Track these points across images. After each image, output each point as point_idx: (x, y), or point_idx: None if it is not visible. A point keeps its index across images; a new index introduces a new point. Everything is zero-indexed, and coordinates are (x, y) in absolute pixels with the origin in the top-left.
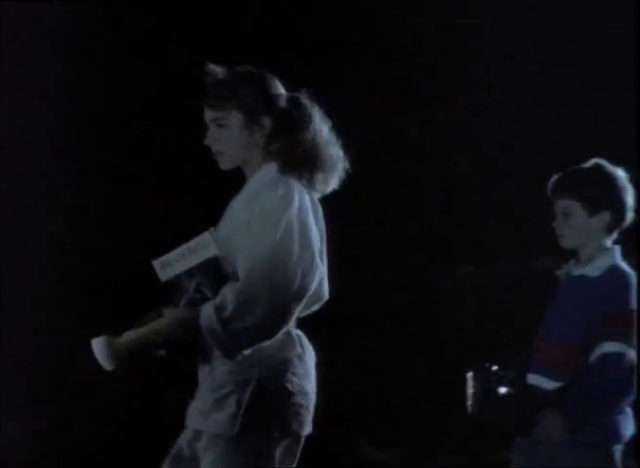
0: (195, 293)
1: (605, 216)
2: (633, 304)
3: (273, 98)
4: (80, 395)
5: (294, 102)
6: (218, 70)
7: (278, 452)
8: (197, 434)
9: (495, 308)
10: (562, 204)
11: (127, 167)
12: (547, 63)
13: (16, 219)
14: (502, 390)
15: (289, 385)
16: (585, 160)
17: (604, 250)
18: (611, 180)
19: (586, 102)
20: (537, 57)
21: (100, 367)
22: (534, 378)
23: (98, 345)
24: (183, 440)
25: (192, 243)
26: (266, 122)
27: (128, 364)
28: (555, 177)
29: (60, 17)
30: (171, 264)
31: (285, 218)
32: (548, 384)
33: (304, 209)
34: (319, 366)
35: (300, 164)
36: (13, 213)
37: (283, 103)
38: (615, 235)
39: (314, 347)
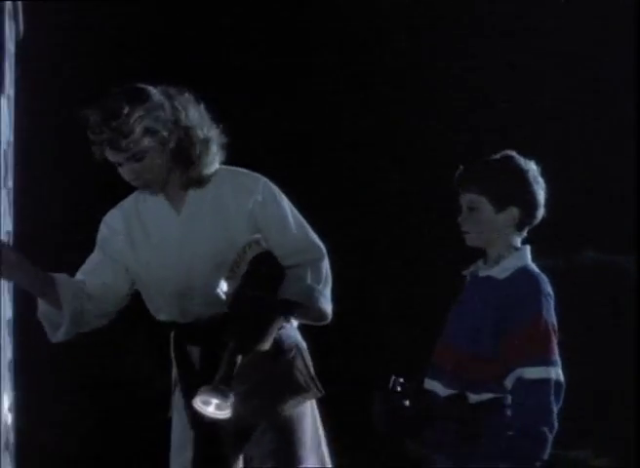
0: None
1: (513, 213)
2: (545, 310)
3: (162, 105)
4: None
5: (169, 97)
6: (108, 108)
7: None
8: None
9: None
10: (468, 198)
11: None
12: (547, 65)
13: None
14: (406, 405)
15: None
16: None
17: (513, 249)
18: (520, 174)
19: (586, 103)
20: (536, 58)
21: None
22: (431, 384)
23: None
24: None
25: (234, 257)
26: (172, 132)
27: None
28: (461, 169)
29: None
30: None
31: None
32: (444, 391)
33: None
34: (364, 366)
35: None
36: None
37: (167, 105)
38: (524, 233)
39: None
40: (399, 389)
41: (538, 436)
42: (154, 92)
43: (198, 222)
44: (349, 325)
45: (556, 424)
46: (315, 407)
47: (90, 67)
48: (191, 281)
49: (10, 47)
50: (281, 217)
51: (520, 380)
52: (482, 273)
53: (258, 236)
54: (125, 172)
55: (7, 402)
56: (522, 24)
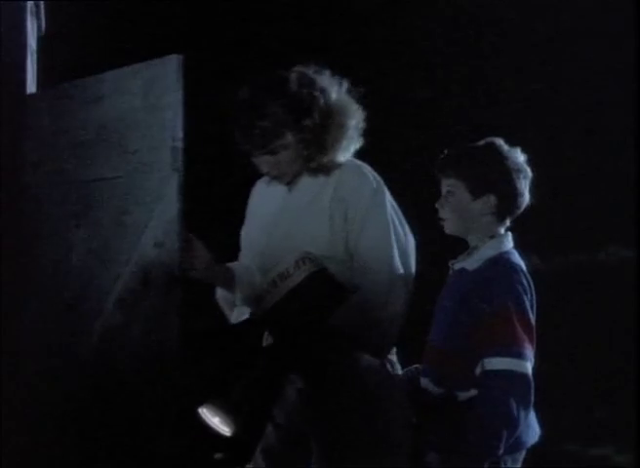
0: (298, 316)
1: (490, 200)
2: (512, 300)
3: (301, 96)
4: None
5: (305, 83)
6: (245, 104)
7: None
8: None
9: (560, 298)
10: (446, 183)
11: None
12: (547, 61)
13: None
14: (423, 387)
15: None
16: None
17: (489, 238)
18: (500, 161)
19: (587, 101)
20: (536, 53)
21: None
22: (424, 382)
23: (208, 414)
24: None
25: (281, 268)
26: (309, 122)
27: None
28: (443, 154)
29: None
30: (263, 297)
31: (385, 201)
32: (434, 389)
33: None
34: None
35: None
36: None
37: (306, 94)
38: (507, 223)
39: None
40: (417, 374)
41: (492, 429)
42: (293, 80)
43: (296, 208)
44: None
45: (518, 416)
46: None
47: (112, 63)
48: (271, 263)
49: (32, 43)
50: (363, 224)
51: (482, 371)
52: (457, 266)
53: (309, 252)
54: (259, 163)
55: None
56: (523, 22)
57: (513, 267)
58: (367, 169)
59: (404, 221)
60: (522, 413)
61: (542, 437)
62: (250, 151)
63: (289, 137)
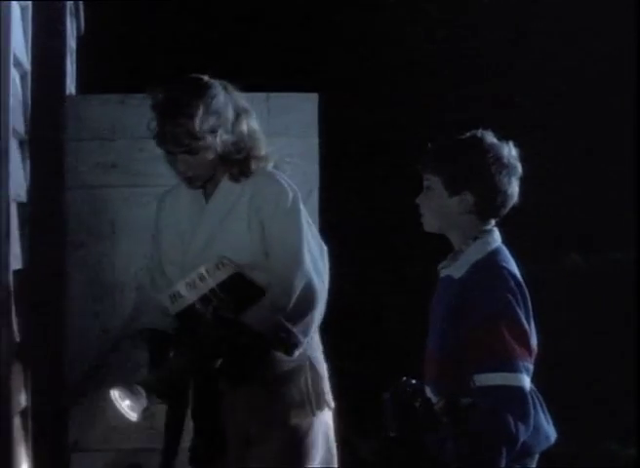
0: (214, 316)
1: (466, 198)
2: (499, 309)
3: (227, 103)
4: None
5: (231, 93)
6: (174, 102)
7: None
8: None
9: (593, 297)
10: (426, 178)
11: None
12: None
13: None
14: (416, 405)
15: (324, 360)
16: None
17: (473, 241)
18: (478, 156)
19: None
20: (537, 51)
21: None
22: (427, 391)
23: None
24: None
25: (201, 270)
26: (237, 127)
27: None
28: (427, 148)
29: None
30: (182, 296)
31: (300, 208)
32: (433, 397)
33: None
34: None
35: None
36: None
37: (231, 102)
38: (492, 223)
39: None
40: (409, 390)
41: (489, 446)
42: (219, 87)
43: (215, 217)
44: (359, 325)
45: (517, 431)
46: (330, 424)
47: (150, 62)
48: (190, 271)
49: (71, 44)
50: (278, 230)
51: (475, 387)
52: (443, 272)
53: (226, 257)
54: (177, 162)
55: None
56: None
57: (500, 272)
58: (283, 178)
59: (316, 233)
60: (521, 427)
61: (578, 436)
62: (169, 150)
63: (212, 139)
